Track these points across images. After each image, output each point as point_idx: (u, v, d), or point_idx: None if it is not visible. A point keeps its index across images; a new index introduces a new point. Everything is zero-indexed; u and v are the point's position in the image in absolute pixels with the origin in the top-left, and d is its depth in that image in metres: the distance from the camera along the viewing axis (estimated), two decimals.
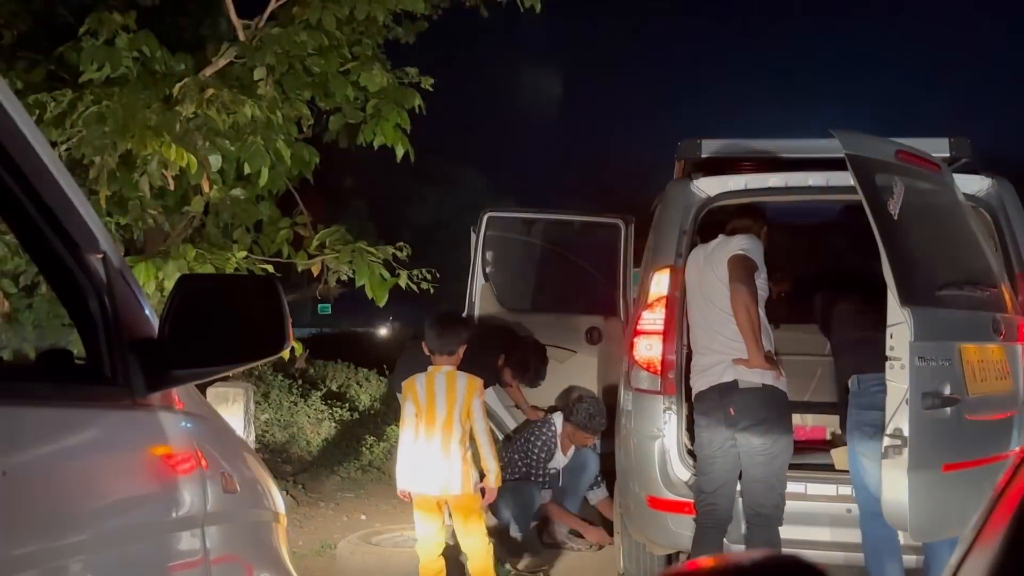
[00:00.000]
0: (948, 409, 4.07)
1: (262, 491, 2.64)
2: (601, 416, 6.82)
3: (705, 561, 0.72)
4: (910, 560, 4.64)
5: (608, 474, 6.27)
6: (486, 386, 6.05)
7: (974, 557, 0.72)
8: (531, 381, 7.15)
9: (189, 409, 2.20)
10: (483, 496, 5.14)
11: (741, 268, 4.65)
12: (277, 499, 2.77)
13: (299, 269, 6.39)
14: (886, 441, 4.08)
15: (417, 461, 5.09)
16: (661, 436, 4.97)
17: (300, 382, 11.48)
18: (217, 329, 1.98)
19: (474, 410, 5.03)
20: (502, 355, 6.94)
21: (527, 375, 7.12)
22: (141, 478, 1.92)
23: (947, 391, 4.06)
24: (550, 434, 6.89)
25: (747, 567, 0.70)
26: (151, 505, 1.92)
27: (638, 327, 5.07)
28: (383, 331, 33.01)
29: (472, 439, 5.05)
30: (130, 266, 4.39)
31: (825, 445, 5.86)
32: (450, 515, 5.20)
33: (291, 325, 2.01)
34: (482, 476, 5.09)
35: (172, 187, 4.92)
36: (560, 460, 6.98)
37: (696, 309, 4.90)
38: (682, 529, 4.90)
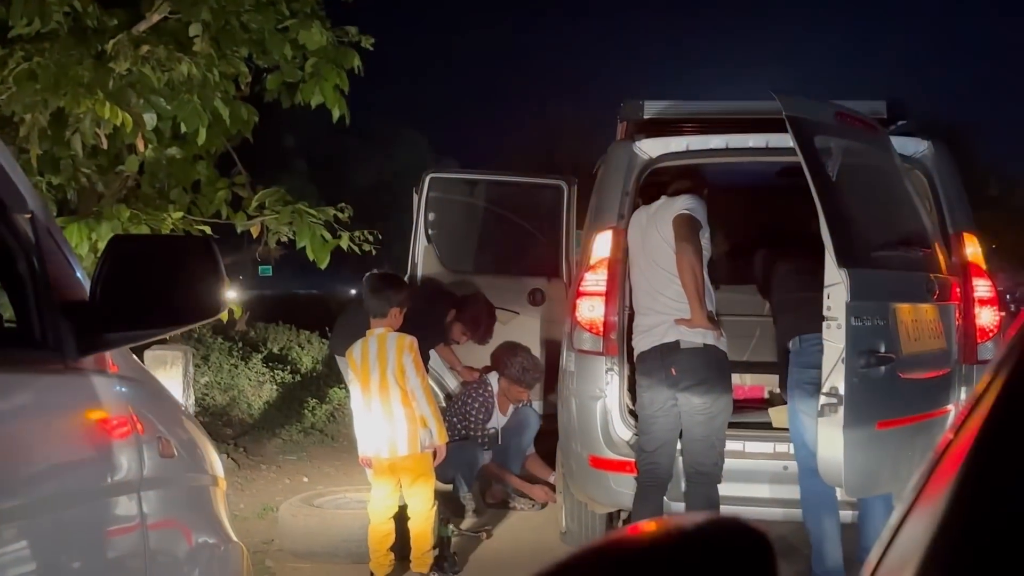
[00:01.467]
0: (883, 368, 4.14)
1: (200, 455, 2.61)
2: (535, 370, 6.87)
3: (646, 525, 0.71)
4: (846, 515, 4.74)
5: (551, 434, 6.31)
6: (433, 345, 6.03)
7: (915, 517, 0.73)
8: (481, 338, 7.14)
9: (124, 373, 2.17)
10: (435, 457, 5.16)
11: (687, 228, 4.67)
12: (216, 463, 2.75)
13: (238, 231, 6.30)
14: (822, 399, 4.15)
15: (367, 425, 5.12)
16: (603, 396, 5.01)
17: (241, 345, 11.35)
18: (151, 291, 1.94)
19: (406, 367, 5.02)
20: (450, 313, 6.92)
21: (478, 332, 7.10)
22: (74, 443, 1.89)
23: (882, 350, 4.14)
24: (487, 394, 6.95)
25: (689, 530, 0.70)
26: (85, 470, 1.89)
27: (580, 288, 5.08)
28: (304, 292, 32.94)
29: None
30: (62, 227, 4.30)
31: (763, 404, 5.95)
32: None
33: (227, 288, 1.98)
34: None
35: (105, 146, 4.80)
36: (499, 420, 7.02)
37: (639, 270, 4.92)
38: (623, 488, 4.96)
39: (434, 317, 6.30)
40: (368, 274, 5.44)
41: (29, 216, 1.84)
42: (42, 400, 1.82)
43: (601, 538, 0.72)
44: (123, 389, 2.13)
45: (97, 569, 1.86)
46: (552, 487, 6.64)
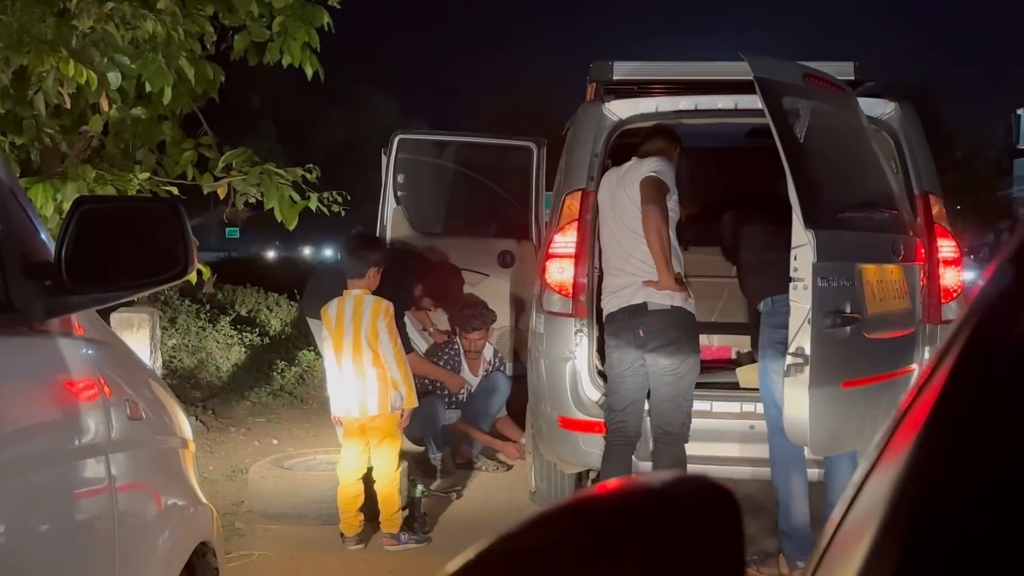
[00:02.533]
0: (848, 328, 4.18)
1: (169, 417, 2.60)
2: (482, 319, 6.90)
3: (614, 483, 0.72)
4: (813, 473, 4.81)
5: (524, 396, 6.35)
6: (402, 311, 6.03)
7: (879, 474, 0.74)
8: (448, 304, 7.15)
9: (90, 336, 2.15)
10: (402, 418, 5.19)
11: (653, 190, 4.68)
12: (184, 425, 2.74)
13: (205, 192, 6.23)
14: (788, 360, 4.19)
15: (338, 386, 5.15)
16: (572, 358, 5.04)
17: (208, 307, 11.28)
18: (117, 253, 1.92)
19: (380, 331, 5.05)
20: (419, 275, 6.92)
21: (445, 293, 7.11)
22: (41, 406, 1.87)
23: (847, 310, 4.18)
24: (452, 352, 7.02)
25: (657, 488, 0.70)
26: (53, 433, 1.88)
27: (550, 250, 5.09)
28: (272, 255, 32.90)
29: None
30: (26, 188, 4.23)
31: (731, 364, 6.00)
32: None
33: (195, 249, 1.96)
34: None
35: (69, 105, 4.72)
36: (471, 379, 7.06)
37: (608, 231, 4.93)
38: (592, 448, 5.00)
39: (402, 282, 6.28)
40: (346, 238, 5.44)
41: None
42: (7, 363, 1.81)
43: (569, 497, 0.73)
44: (90, 352, 2.12)
45: (66, 532, 1.86)
46: (521, 447, 6.69)
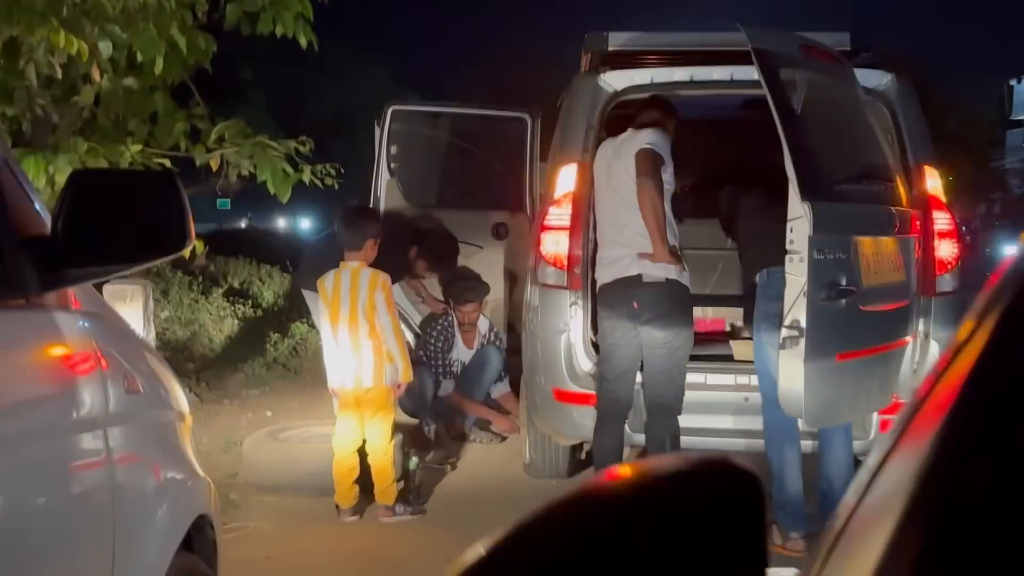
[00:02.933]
0: (844, 300, 4.19)
1: (165, 391, 2.59)
2: (475, 291, 6.91)
3: (628, 468, 0.70)
4: (807, 445, 4.83)
5: (514, 369, 6.36)
6: (397, 279, 6.02)
7: (897, 460, 0.72)
8: (443, 271, 7.14)
9: (87, 309, 2.14)
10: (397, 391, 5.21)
11: (648, 162, 4.66)
12: (181, 398, 2.74)
13: (197, 163, 6.19)
14: (784, 332, 4.19)
15: (335, 358, 5.15)
16: (567, 330, 5.04)
17: (201, 279, 11.26)
18: (114, 227, 1.90)
19: (377, 304, 5.05)
20: (414, 247, 6.90)
21: (440, 265, 7.10)
22: (38, 380, 1.86)
23: (843, 283, 4.18)
24: (446, 323, 7.04)
25: (675, 472, 0.69)
26: (50, 407, 1.87)
27: (545, 222, 5.08)
28: (244, 225, 32.86)
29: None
30: (18, 160, 4.18)
31: (725, 337, 6.00)
32: None
33: (192, 222, 1.95)
34: None
35: (60, 76, 4.67)
36: (465, 353, 7.06)
37: (604, 203, 4.92)
38: (587, 420, 5.01)
39: (397, 251, 6.26)
40: (343, 210, 5.43)
41: None
42: (4, 337, 1.79)
43: (582, 485, 0.71)
44: (87, 325, 2.11)
45: (64, 506, 1.86)
46: (515, 420, 6.70)
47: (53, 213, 1.87)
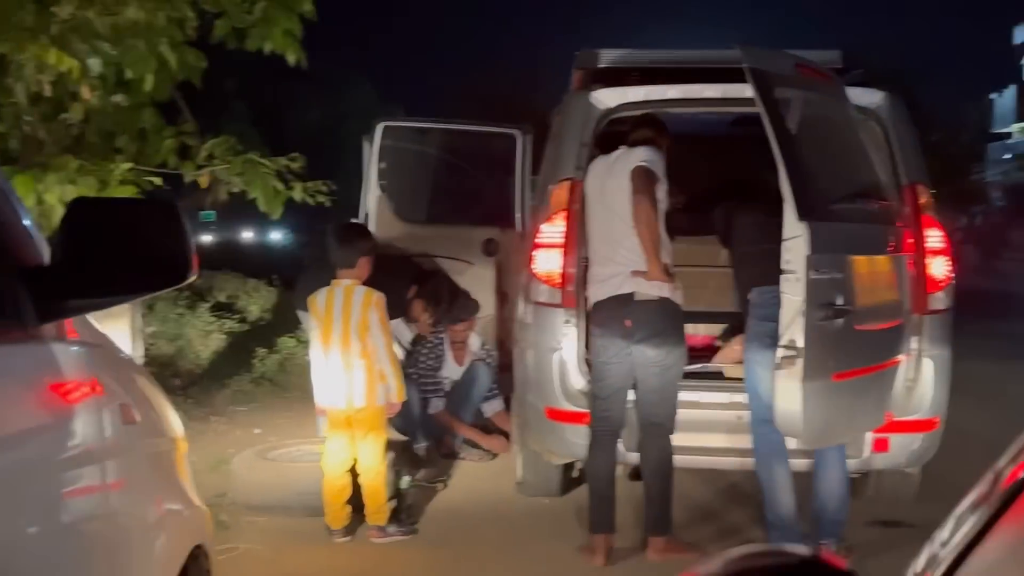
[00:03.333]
0: (840, 320, 4.18)
1: (160, 418, 2.56)
2: (466, 309, 6.88)
3: (710, 567, 0.67)
4: (801, 464, 4.82)
5: (505, 386, 6.32)
6: (393, 318, 5.92)
7: (1004, 537, 0.69)
8: (440, 316, 7.02)
9: (83, 338, 2.10)
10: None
11: (643, 180, 4.65)
12: (176, 424, 2.70)
13: (186, 180, 6.14)
14: (780, 352, 4.18)
15: (324, 376, 5.09)
16: (560, 348, 5.02)
17: (186, 293, 11.18)
18: (114, 257, 1.87)
19: (371, 324, 5.01)
20: (413, 287, 6.82)
21: (438, 309, 6.98)
22: (36, 413, 1.82)
23: (839, 302, 4.17)
24: (436, 341, 6.98)
25: (769, 570, 0.65)
26: (47, 439, 1.83)
27: (537, 240, 5.05)
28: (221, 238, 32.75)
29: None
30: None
31: (715, 354, 5.98)
32: None
33: (194, 252, 1.91)
34: None
35: (48, 93, 4.63)
36: (455, 371, 7.02)
37: (596, 220, 4.90)
38: (579, 439, 4.98)
39: (395, 289, 6.11)
40: (334, 227, 5.40)
41: None
42: (1, 369, 1.75)
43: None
44: (83, 355, 2.07)
45: (60, 539, 1.82)
46: (507, 437, 6.64)
47: (53, 242, 1.84)
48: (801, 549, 0.66)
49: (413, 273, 6.85)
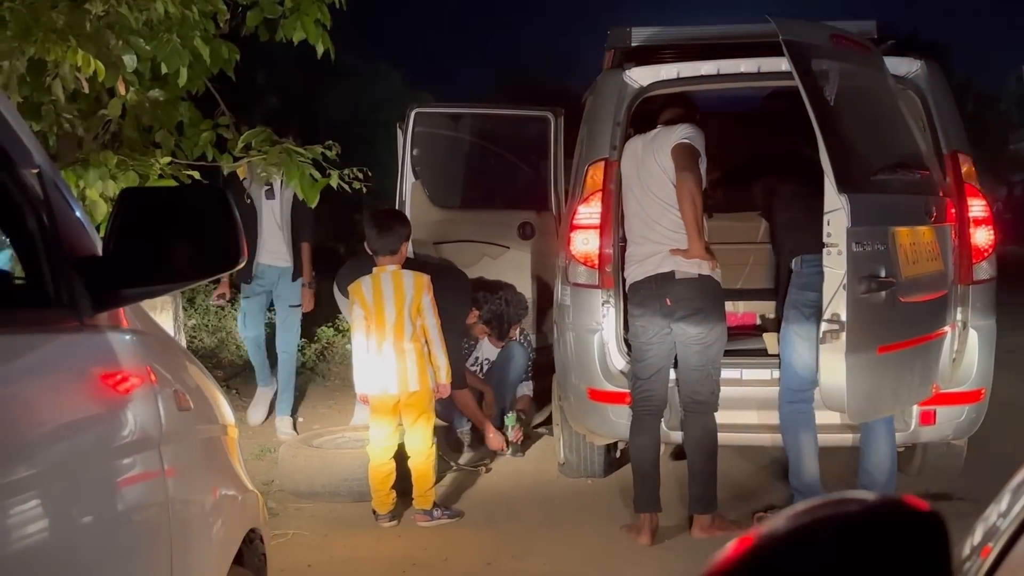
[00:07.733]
0: (883, 293, 4.15)
1: (212, 405, 2.58)
2: (518, 313, 6.86)
3: (795, 517, 0.65)
4: (847, 439, 4.81)
5: (548, 368, 6.28)
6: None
7: None
8: (501, 335, 7.00)
9: (136, 327, 2.12)
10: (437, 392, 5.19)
11: (687, 157, 4.64)
12: (227, 411, 2.73)
13: (225, 172, 6.18)
14: (824, 326, 4.16)
15: (373, 363, 5.09)
16: (600, 329, 5.02)
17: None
18: (165, 245, 1.89)
19: (424, 307, 5.06)
20: (474, 310, 6.77)
21: (500, 329, 6.94)
22: (94, 402, 1.85)
23: (882, 275, 4.14)
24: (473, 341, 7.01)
25: (851, 515, 0.65)
26: (105, 428, 1.86)
27: (574, 222, 5.05)
28: None
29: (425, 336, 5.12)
30: None
31: (756, 331, 5.96)
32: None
33: (243, 237, 1.93)
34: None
35: (87, 90, 4.67)
36: (490, 351, 7.02)
37: (633, 200, 4.89)
38: (622, 419, 4.99)
39: (455, 312, 6.02)
40: (371, 214, 5.43)
41: (37, 171, 1.78)
42: (58, 360, 1.78)
43: (755, 533, 0.66)
44: (137, 344, 2.09)
45: (120, 525, 1.85)
46: (506, 437, 6.49)
47: (105, 233, 1.86)
48: (871, 495, 0.65)
49: (468, 295, 6.73)
